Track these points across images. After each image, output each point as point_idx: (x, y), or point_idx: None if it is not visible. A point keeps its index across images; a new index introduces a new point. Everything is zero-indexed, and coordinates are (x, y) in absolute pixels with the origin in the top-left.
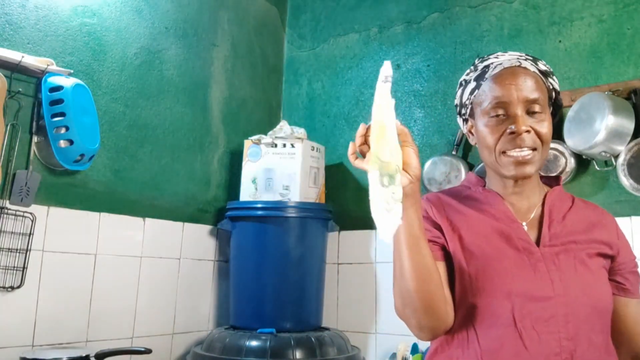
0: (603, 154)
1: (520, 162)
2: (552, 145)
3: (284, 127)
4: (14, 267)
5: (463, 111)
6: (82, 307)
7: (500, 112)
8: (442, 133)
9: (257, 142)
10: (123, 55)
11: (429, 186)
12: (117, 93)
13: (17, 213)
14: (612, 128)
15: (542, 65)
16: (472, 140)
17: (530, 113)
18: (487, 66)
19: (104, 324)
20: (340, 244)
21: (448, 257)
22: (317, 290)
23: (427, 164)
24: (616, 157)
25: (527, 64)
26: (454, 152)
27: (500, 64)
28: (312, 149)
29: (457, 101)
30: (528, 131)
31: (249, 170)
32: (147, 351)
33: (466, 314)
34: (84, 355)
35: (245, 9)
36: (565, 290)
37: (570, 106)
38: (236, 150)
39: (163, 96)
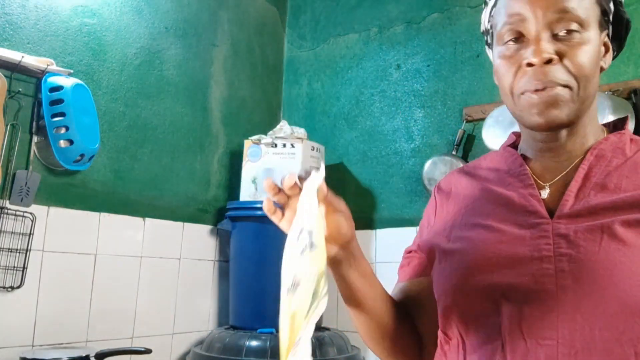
0: None
1: (546, 104)
2: None
3: (284, 127)
4: (14, 267)
5: (488, 39)
6: (82, 307)
7: (516, 35)
8: (442, 133)
9: (257, 142)
10: (123, 55)
11: (429, 186)
12: (117, 93)
13: (17, 213)
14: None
15: None
16: (496, 80)
17: (559, 35)
18: None
19: (104, 324)
20: None
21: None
22: None
23: (427, 164)
24: None
25: None
26: (454, 152)
27: None
28: (312, 149)
29: (482, 27)
30: (550, 60)
31: (249, 170)
32: (147, 351)
33: (451, 319)
34: (84, 355)
35: (245, 9)
36: (577, 281)
37: None
38: (236, 150)
39: (163, 96)
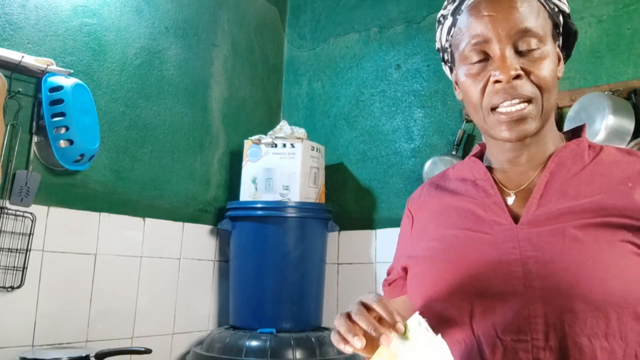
0: None
1: (515, 120)
2: None
3: (284, 127)
4: (14, 267)
5: (445, 57)
6: (82, 307)
7: (482, 55)
8: (442, 133)
9: (257, 142)
10: (123, 55)
11: None
12: (117, 93)
13: (17, 213)
14: (612, 128)
15: None
16: (458, 96)
17: (522, 51)
18: None
19: (104, 324)
20: (340, 244)
21: None
22: (317, 290)
23: (427, 164)
24: None
25: None
26: (454, 152)
27: None
28: (312, 149)
29: (437, 44)
30: (518, 76)
31: (249, 170)
32: (147, 351)
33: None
34: (84, 355)
35: (245, 9)
36: (544, 281)
37: (570, 106)
38: (236, 150)
39: (163, 96)
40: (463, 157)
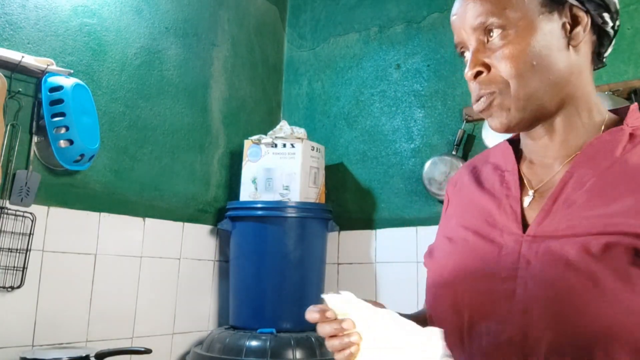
0: None
1: (486, 115)
2: None
3: (284, 127)
4: (14, 267)
5: None
6: (82, 307)
7: (464, 56)
8: (442, 133)
9: (257, 142)
10: (123, 55)
11: (429, 186)
12: (117, 93)
13: (17, 213)
14: None
15: None
16: None
17: (490, 43)
18: None
19: (104, 324)
20: (340, 244)
21: None
22: (317, 290)
23: (427, 164)
24: None
25: None
26: (454, 152)
27: None
28: (312, 149)
29: None
30: (479, 72)
31: (249, 170)
32: (147, 351)
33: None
34: (84, 355)
35: (245, 9)
36: (527, 306)
37: None
38: (236, 150)
39: (163, 96)
40: (463, 157)
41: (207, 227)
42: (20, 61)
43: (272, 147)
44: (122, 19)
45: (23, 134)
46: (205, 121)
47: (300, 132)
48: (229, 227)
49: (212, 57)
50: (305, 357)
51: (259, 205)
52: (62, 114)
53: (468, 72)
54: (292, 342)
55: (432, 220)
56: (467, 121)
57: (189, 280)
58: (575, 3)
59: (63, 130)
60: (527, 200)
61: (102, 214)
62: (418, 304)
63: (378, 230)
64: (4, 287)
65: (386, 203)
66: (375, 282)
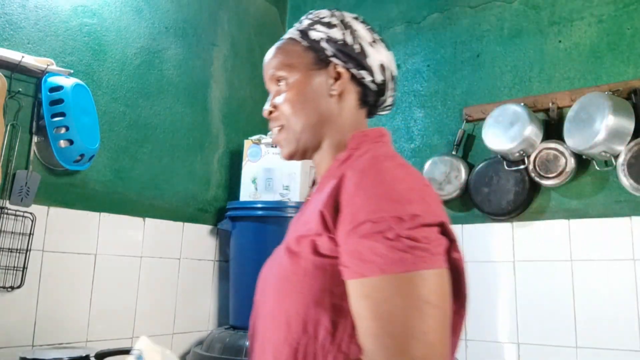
0: (603, 154)
1: (278, 146)
2: (552, 145)
3: None
4: (14, 267)
5: None
6: (82, 307)
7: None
8: (442, 133)
9: (257, 142)
10: (123, 55)
11: None
12: (117, 93)
13: (17, 213)
14: (612, 128)
15: (307, 21)
16: None
17: (279, 90)
18: None
19: (104, 324)
20: None
21: None
22: None
23: (427, 164)
24: (616, 157)
25: (287, 35)
26: (454, 152)
27: None
28: None
29: None
30: (271, 111)
31: (249, 170)
32: None
33: None
34: (84, 355)
35: (245, 9)
36: (256, 308)
37: (570, 106)
38: (236, 150)
39: (163, 96)
40: (463, 157)
41: (207, 227)
42: (20, 61)
43: (272, 147)
44: (122, 19)
45: (23, 134)
46: (205, 121)
47: None
48: (229, 227)
49: (212, 57)
50: None
51: (259, 205)
52: (62, 114)
53: (264, 112)
54: None
55: None
56: (467, 121)
57: (189, 280)
58: (339, 62)
59: (63, 130)
60: None
61: (102, 214)
62: None
63: None
64: (4, 287)
65: None
66: None
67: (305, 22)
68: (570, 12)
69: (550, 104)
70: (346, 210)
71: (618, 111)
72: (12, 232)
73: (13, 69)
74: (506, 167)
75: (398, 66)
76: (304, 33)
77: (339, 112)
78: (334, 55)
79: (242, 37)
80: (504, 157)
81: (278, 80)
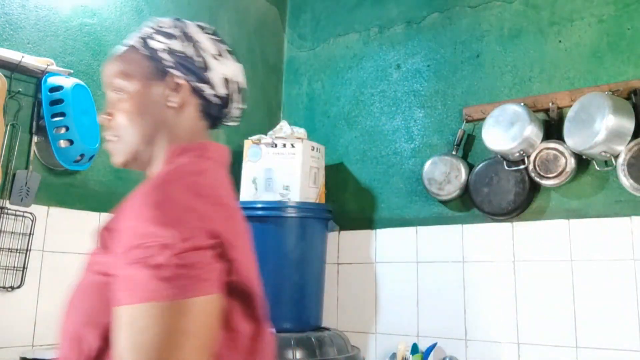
0: (603, 154)
1: (110, 153)
2: (552, 145)
3: (284, 127)
4: (14, 267)
5: None
6: None
7: None
8: (442, 133)
9: (257, 142)
10: None
11: (429, 186)
12: None
13: (17, 213)
14: (612, 128)
15: (149, 30)
16: None
17: (116, 99)
18: None
19: None
20: (340, 244)
21: None
22: (317, 290)
23: (427, 164)
24: (616, 157)
25: (130, 41)
26: (454, 152)
27: None
28: (312, 149)
29: None
30: (106, 119)
31: (249, 170)
32: None
33: None
34: None
35: (245, 9)
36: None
37: (570, 106)
38: (236, 150)
39: None
40: (463, 157)
41: None
42: (20, 61)
43: (272, 147)
44: (122, 19)
45: (23, 134)
46: None
47: (300, 132)
48: None
49: None
50: (305, 357)
51: (259, 205)
52: (62, 114)
53: (99, 118)
54: (292, 342)
55: (432, 220)
56: (467, 121)
57: None
58: (179, 74)
59: (63, 130)
60: None
61: (102, 214)
62: (418, 303)
63: (378, 230)
64: (4, 287)
65: (386, 203)
66: (375, 282)
67: (146, 30)
68: (570, 12)
69: (550, 104)
70: (121, 234)
71: (618, 111)
72: (12, 232)
73: (13, 69)
74: (506, 167)
75: (398, 66)
76: (144, 42)
77: (175, 124)
78: (174, 67)
79: (242, 37)
80: (504, 157)
81: (116, 88)
